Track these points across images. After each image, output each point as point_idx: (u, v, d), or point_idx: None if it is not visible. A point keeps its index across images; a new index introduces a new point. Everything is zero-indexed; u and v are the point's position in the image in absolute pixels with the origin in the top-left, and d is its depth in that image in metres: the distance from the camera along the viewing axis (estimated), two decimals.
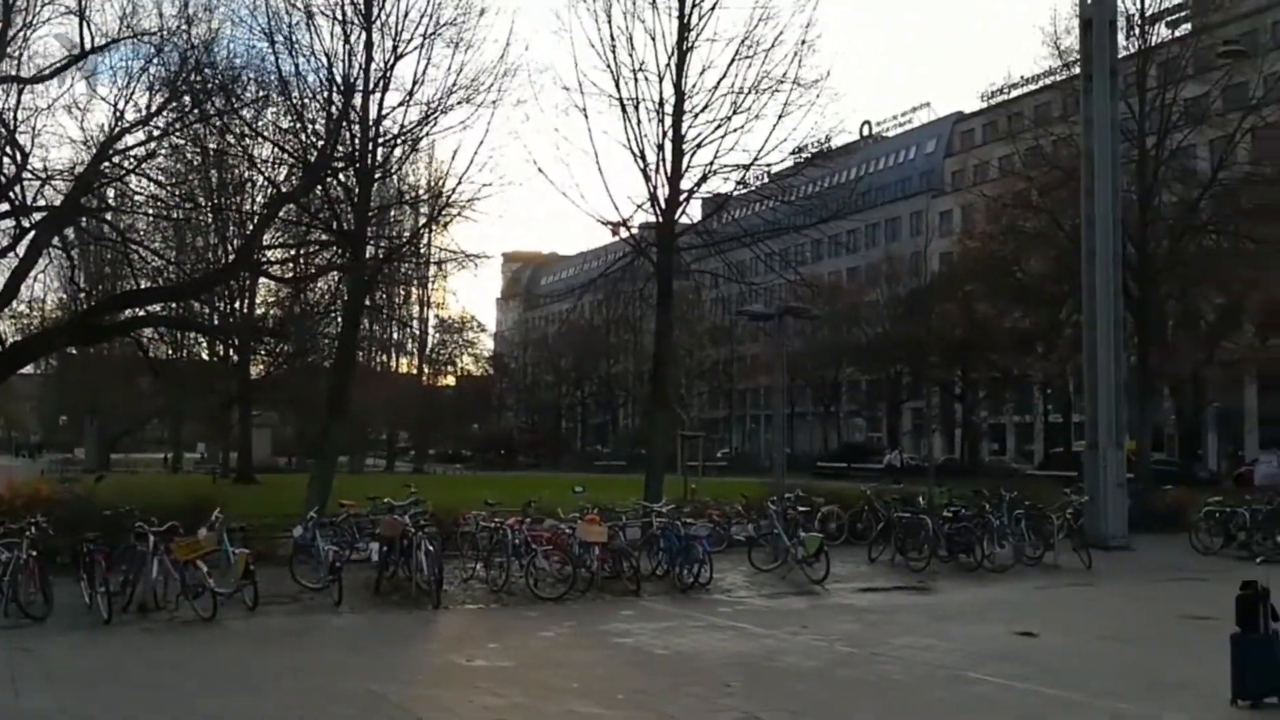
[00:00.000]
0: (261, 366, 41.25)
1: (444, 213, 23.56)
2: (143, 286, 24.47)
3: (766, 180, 24.75)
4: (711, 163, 22.01)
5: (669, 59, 21.65)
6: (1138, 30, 29.39)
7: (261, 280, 32.38)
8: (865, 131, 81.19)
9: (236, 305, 36.38)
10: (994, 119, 50.17)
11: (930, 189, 76.48)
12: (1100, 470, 21.33)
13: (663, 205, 22.08)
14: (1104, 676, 9.58)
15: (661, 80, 21.63)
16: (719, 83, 21.52)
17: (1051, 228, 32.42)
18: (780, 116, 21.29)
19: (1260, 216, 30.82)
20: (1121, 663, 10.37)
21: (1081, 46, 23.82)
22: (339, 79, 20.33)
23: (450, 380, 79.98)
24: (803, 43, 21.18)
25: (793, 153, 22.73)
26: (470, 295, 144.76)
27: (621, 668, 9.99)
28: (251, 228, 23.69)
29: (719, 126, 21.60)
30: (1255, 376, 46.73)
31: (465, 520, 16.40)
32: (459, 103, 20.55)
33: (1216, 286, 35.91)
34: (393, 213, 28.68)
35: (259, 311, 36.88)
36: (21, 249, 21.76)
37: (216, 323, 34.86)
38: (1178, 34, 31.72)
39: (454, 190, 22.01)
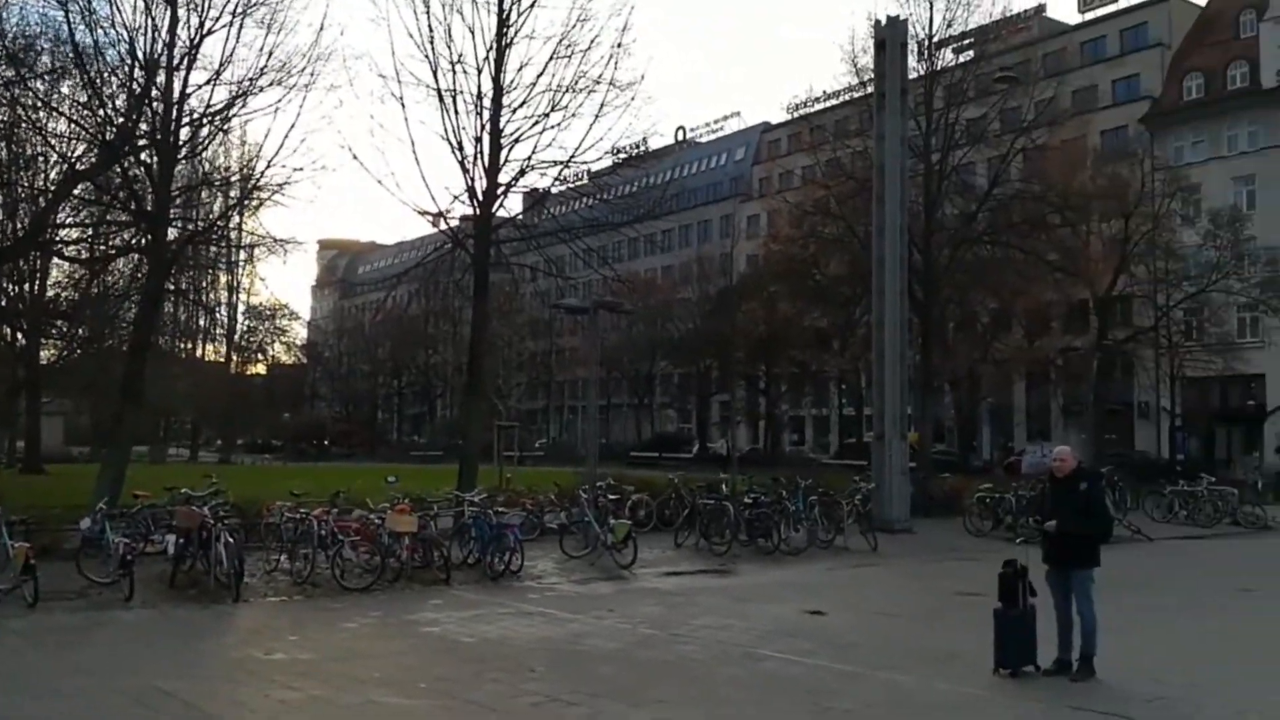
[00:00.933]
0: (53, 351, 38.61)
1: (253, 196, 22.77)
2: None
3: (584, 178, 25.22)
4: (529, 158, 22.27)
5: (488, 53, 21.77)
6: (926, 54, 31.40)
7: (55, 261, 30.33)
8: (679, 136, 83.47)
9: (26, 286, 33.93)
10: (798, 130, 52.55)
11: (739, 194, 79.02)
12: (887, 459, 22.75)
13: (480, 198, 22.14)
14: (884, 650, 10.20)
15: (480, 74, 21.73)
16: (537, 79, 21.81)
17: (847, 234, 34.25)
18: (597, 116, 21.80)
19: (1028, 230, 33.68)
20: (900, 637, 11.12)
21: (876, 66, 25.34)
22: (141, 54, 19.30)
23: (260, 369, 77.00)
24: (618, 46, 21.76)
25: (610, 152, 23.24)
26: (283, 282, 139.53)
27: (426, 657, 9.98)
28: (43, 205, 22.17)
29: (537, 122, 21.89)
30: (1023, 374, 50.67)
31: (270, 511, 16.02)
32: (270, 84, 19.90)
33: (990, 292, 38.68)
34: (202, 194, 27.48)
35: (51, 293, 34.51)
36: None
37: (4, 304, 32.40)
38: (961, 60, 34.07)
39: (264, 174, 21.32)
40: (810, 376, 58.96)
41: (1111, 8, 58.02)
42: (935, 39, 31.21)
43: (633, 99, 21.91)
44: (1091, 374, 42.37)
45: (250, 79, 19.79)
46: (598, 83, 21.52)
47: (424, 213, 22.49)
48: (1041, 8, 60.00)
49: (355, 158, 20.15)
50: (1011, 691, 8.57)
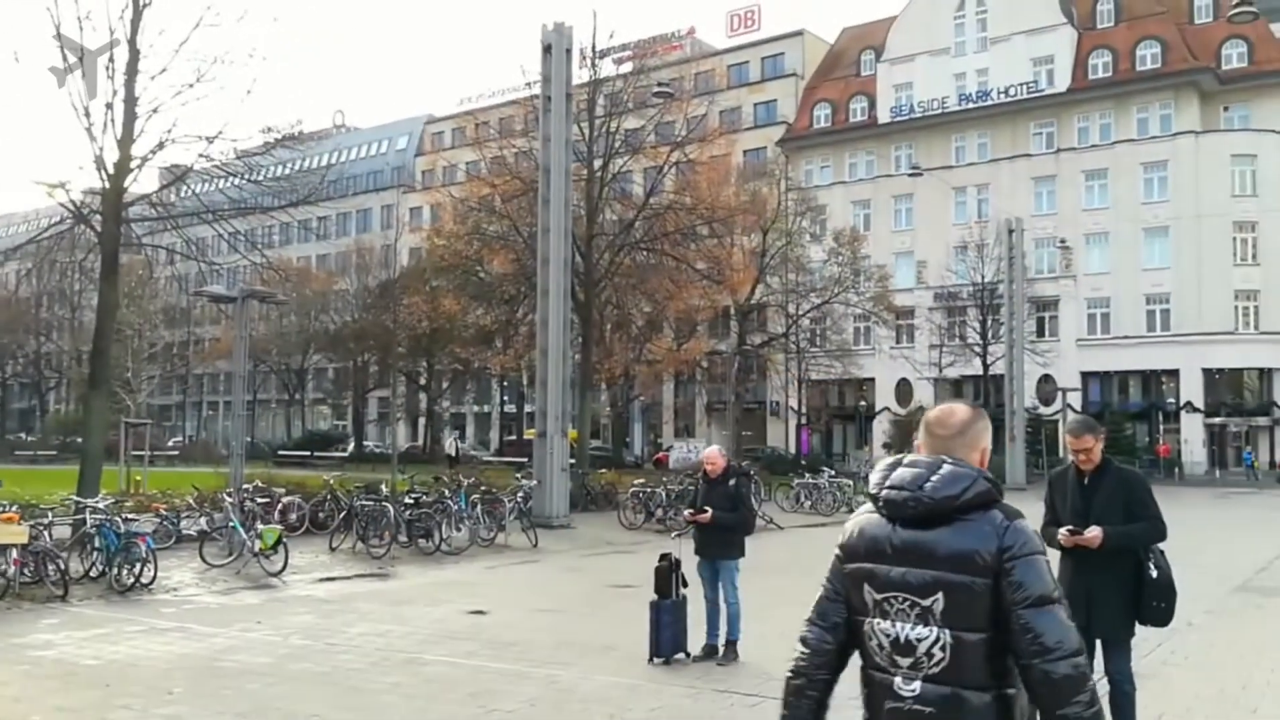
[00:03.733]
0: None
1: None
2: None
3: (234, 157, 23.48)
4: (170, 130, 20.34)
5: (122, 11, 19.62)
6: (591, 62, 32.52)
7: None
8: (339, 120, 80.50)
9: None
10: (463, 124, 52.61)
11: (401, 184, 77.57)
12: (549, 456, 23.22)
13: (110, 170, 19.93)
14: (544, 646, 10.28)
15: (113, 33, 19.52)
16: (181, 47, 19.97)
17: (512, 233, 34.71)
18: (249, 92, 20.37)
19: (680, 239, 35.90)
20: (559, 632, 11.25)
21: (543, 69, 25.81)
22: None
23: None
24: (274, 20, 20.51)
25: (262, 131, 21.86)
26: None
27: (40, 684, 8.82)
28: None
29: (180, 93, 20.02)
30: (672, 375, 53.87)
31: None
32: None
33: (645, 296, 40.89)
34: None
35: None
36: None
37: None
38: (622, 71, 35.66)
39: None
40: (473, 373, 59.02)
41: (754, 36, 63.06)
42: (598, 49, 32.38)
43: (289, 77, 20.75)
44: (732, 375, 45.88)
45: None
46: (250, 57, 20.14)
47: (39, 182, 19.93)
48: (692, 30, 63.99)
49: None
50: (665, 679, 8.92)
